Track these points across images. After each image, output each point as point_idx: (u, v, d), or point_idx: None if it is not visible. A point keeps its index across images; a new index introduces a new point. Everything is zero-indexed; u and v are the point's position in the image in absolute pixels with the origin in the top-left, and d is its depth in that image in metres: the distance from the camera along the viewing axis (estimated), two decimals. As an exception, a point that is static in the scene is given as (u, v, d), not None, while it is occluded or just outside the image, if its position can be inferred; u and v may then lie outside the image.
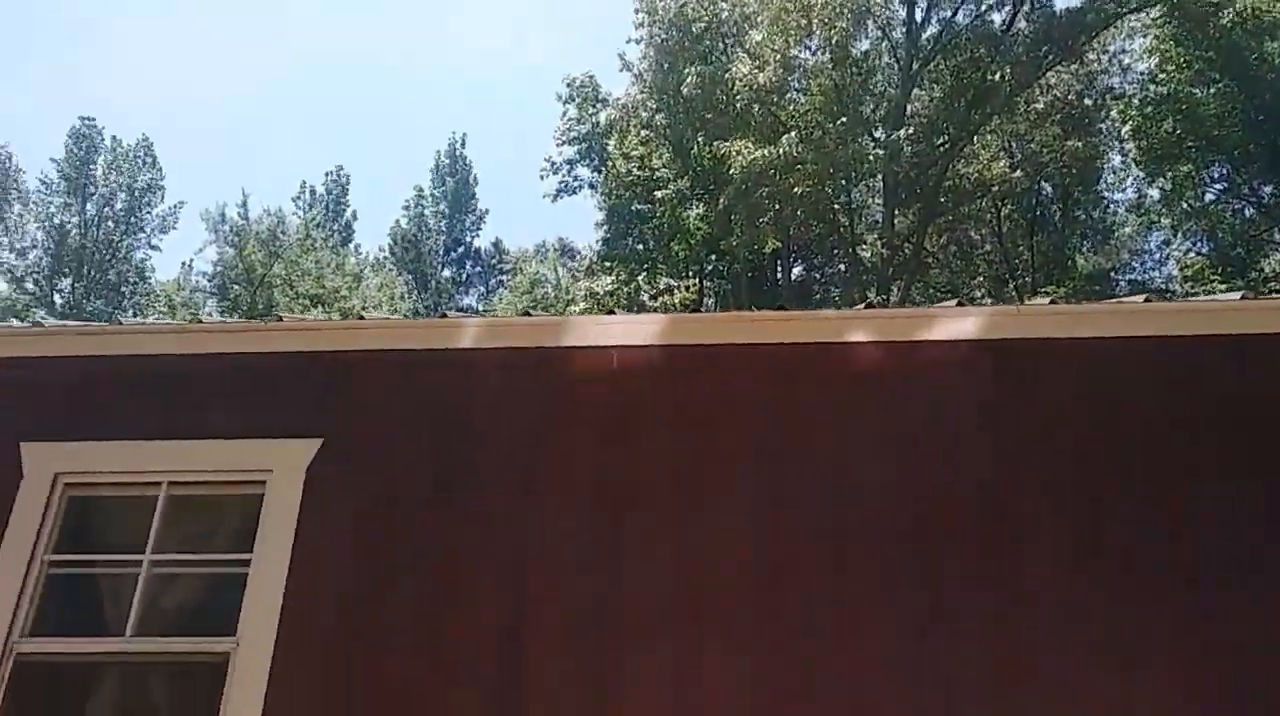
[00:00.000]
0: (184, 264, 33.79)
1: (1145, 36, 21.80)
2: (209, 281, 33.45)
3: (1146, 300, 4.28)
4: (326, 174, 38.81)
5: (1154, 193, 22.88)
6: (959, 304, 4.28)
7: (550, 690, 3.71)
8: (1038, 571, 3.70)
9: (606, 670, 3.72)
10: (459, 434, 4.18)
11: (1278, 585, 3.59)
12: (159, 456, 4.19)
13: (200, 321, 4.65)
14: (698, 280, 27.39)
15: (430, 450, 4.17)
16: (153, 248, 34.35)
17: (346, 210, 38.81)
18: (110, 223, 33.71)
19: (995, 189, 23.12)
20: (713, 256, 26.72)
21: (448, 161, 41.02)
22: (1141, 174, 22.73)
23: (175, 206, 34.40)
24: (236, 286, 31.48)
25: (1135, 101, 21.42)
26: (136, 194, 34.05)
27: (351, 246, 37.59)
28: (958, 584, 3.71)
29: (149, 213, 34.28)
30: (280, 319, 4.60)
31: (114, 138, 34.41)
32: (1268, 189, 20.64)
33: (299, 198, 37.51)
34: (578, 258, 32.43)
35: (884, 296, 21.31)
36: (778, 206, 21.32)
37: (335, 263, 33.43)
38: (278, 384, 4.38)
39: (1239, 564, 3.63)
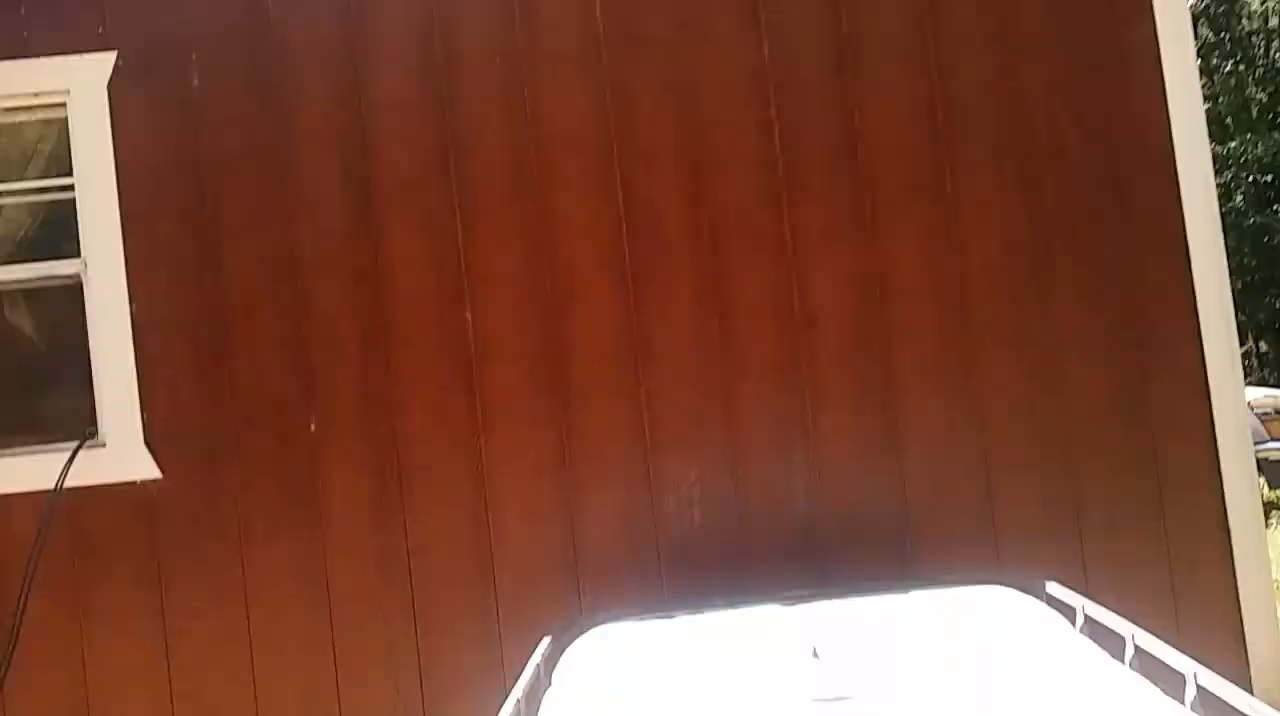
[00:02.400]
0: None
1: None
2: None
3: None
4: None
5: None
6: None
7: (407, 261, 3.95)
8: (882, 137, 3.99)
9: (461, 242, 3.95)
10: (270, 41, 3.99)
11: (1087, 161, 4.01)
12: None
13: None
14: None
15: (243, 53, 4.01)
16: None
17: None
18: None
19: None
20: None
21: None
22: None
23: None
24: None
25: None
26: None
27: None
28: (805, 165, 3.97)
29: None
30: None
31: None
32: None
33: None
34: None
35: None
36: None
37: None
38: (57, -6, 3.98)
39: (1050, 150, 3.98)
